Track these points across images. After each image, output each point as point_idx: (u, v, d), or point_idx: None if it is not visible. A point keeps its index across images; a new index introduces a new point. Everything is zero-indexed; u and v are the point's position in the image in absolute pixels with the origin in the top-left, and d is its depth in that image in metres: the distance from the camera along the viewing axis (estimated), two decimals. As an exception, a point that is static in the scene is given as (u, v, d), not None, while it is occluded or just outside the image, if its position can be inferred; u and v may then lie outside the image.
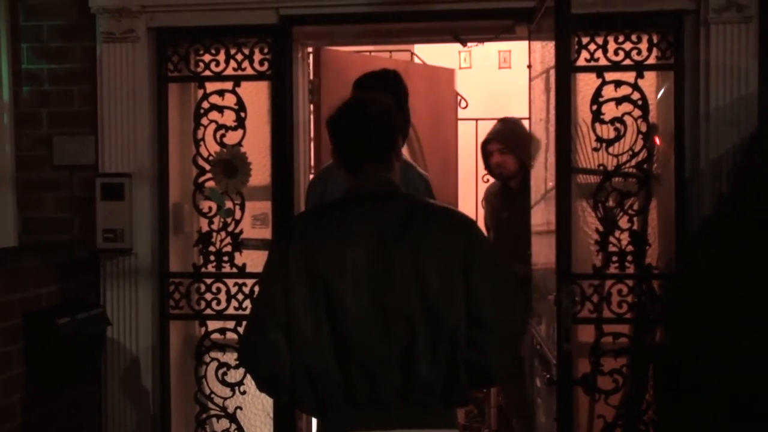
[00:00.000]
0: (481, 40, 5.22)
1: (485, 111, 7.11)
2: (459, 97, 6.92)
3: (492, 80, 7.78)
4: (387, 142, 2.77)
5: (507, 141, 5.28)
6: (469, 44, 4.84)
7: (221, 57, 4.58)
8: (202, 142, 4.59)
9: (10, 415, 3.88)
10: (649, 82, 4.37)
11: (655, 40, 4.32)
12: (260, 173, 4.64)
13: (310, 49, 5.00)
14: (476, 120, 7.15)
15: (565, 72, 3.46)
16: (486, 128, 7.07)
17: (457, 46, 5.44)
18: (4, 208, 4.61)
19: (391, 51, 7.37)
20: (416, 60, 7.47)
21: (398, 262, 2.59)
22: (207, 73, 4.60)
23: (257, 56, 4.55)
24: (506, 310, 2.65)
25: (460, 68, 7.90)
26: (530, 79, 4.34)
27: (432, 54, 7.30)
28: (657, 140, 4.36)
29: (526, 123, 4.91)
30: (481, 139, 5.66)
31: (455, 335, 2.58)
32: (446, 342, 2.58)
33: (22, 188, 4.64)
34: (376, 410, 2.62)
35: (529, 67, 4.38)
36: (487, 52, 7.66)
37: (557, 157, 3.47)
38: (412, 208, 2.69)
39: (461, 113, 6.93)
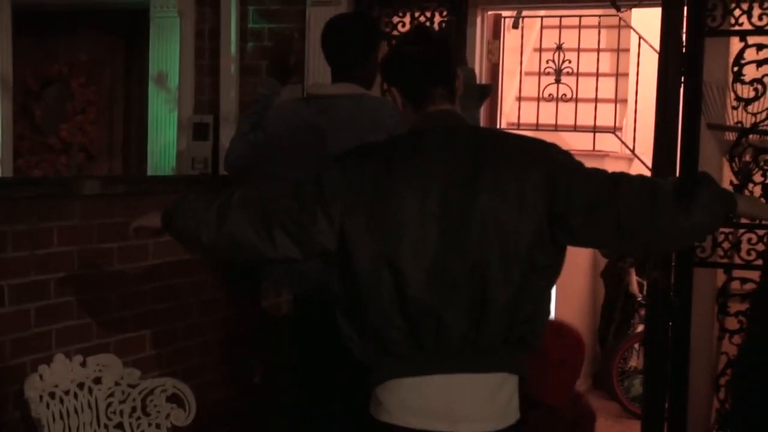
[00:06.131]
0: (633, 6, 5.61)
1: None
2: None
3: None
4: (449, 66, 2.58)
5: None
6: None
7: (407, 19, 5.26)
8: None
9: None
10: (792, 45, 4.63)
11: (799, 6, 4.58)
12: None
13: (490, 12, 5.60)
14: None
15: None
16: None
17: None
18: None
19: (600, 16, 7.78)
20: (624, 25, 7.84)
21: (472, 203, 2.39)
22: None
23: (437, 18, 5.20)
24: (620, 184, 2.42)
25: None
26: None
27: (644, 18, 7.64)
28: (796, 101, 4.63)
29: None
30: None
31: (528, 259, 2.41)
32: (521, 269, 2.41)
33: (244, 128, 5.58)
34: (442, 354, 2.44)
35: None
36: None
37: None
38: (484, 142, 2.51)
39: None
